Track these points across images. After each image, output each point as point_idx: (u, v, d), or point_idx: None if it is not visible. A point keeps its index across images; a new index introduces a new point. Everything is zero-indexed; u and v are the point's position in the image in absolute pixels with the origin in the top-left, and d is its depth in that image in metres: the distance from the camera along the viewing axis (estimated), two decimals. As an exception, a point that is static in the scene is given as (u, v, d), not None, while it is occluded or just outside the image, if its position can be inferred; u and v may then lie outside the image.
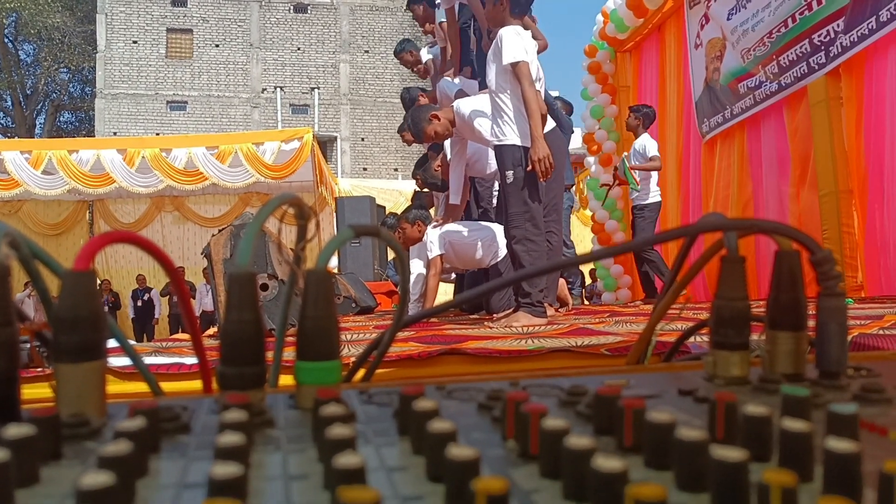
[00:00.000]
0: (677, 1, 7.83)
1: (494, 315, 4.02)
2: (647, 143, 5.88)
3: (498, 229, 4.47)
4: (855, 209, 5.25)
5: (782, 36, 5.84)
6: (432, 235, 4.67)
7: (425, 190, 5.94)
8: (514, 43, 3.38)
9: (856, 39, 4.97)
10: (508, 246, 3.53)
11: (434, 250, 4.57)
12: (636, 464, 0.35)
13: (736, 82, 6.72)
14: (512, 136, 3.40)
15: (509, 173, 3.40)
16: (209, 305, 12.10)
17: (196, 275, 13.83)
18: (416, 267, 5.12)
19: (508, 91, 3.42)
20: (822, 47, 5.36)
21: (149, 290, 14.48)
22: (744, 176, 6.60)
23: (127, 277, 14.83)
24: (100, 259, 13.95)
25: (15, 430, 0.33)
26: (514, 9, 3.50)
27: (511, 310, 3.64)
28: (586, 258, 0.76)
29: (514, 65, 3.35)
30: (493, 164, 4.86)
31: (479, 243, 4.58)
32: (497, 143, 3.47)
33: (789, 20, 5.72)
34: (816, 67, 5.46)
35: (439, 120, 4.03)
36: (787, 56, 5.82)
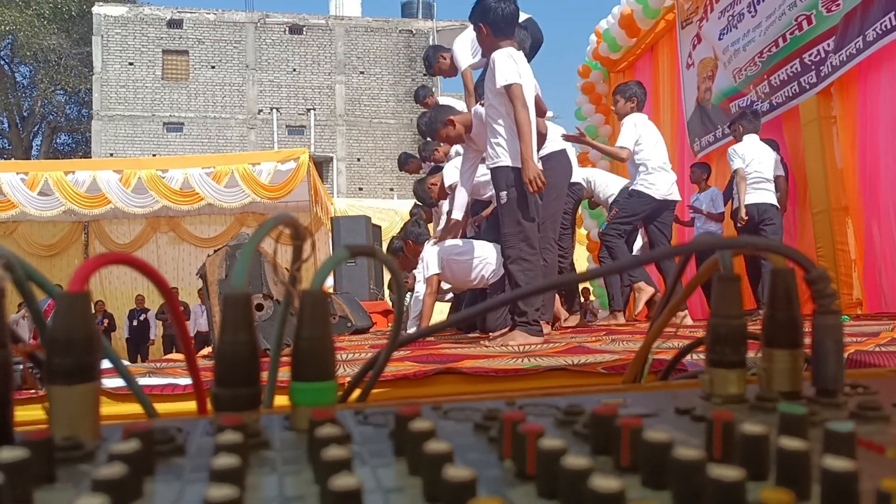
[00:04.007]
0: (670, 21, 7.92)
1: (490, 334, 4.02)
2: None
3: (498, 249, 4.48)
4: (850, 226, 5.27)
5: (773, 56, 5.90)
6: (429, 254, 4.65)
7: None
8: (507, 66, 3.40)
9: (845, 59, 5.03)
10: (504, 265, 3.54)
11: (430, 269, 4.56)
12: (633, 483, 0.35)
13: (728, 102, 6.78)
14: (505, 158, 3.42)
15: (503, 194, 3.42)
16: (204, 326, 12.05)
17: (191, 295, 13.79)
18: (422, 287, 5.10)
19: (502, 113, 3.44)
20: (813, 67, 5.42)
21: (146, 310, 14.41)
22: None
23: (121, 298, 14.76)
24: (95, 280, 13.91)
25: (8, 454, 0.33)
26: (496, 32, 3.51)
27: (507, 328, 3.64)
28: (582, 277, 0.76)
29: (507, 87, 3.37)
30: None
31: (477, 262, 4.56)
32: (491, 165, 3.50)
33: (780, 40, 5.78)
34: (808, 87, 5.52)
35: (454, 127, 4.07)
36: (779, 76, 5.88)
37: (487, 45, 3.58)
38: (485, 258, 4.54)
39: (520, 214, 3.40)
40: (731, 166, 5.70)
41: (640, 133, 5.07)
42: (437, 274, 4.56)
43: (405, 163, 7.51)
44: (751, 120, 5.72)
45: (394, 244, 5.95)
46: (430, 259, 4.59)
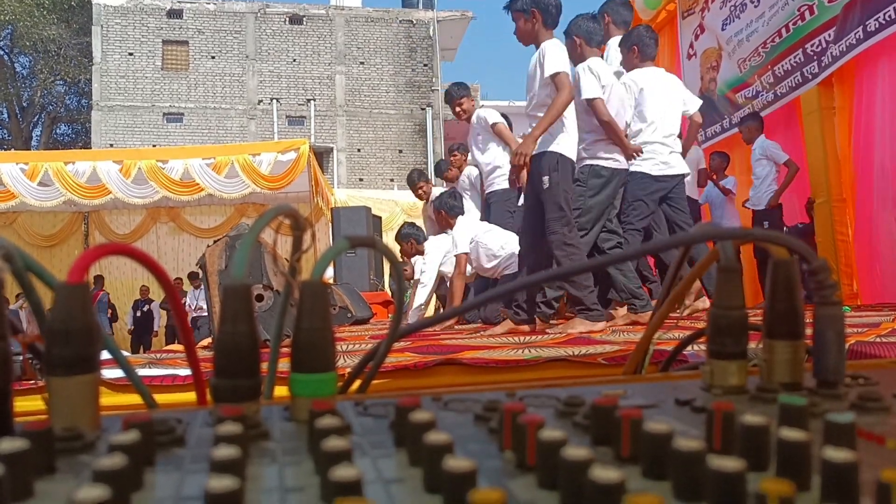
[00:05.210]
0: (670, 12, 7.89)
1: (490, 325, 4.01)
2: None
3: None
4: (848, 217, 5.27)
5: (776, 46, 5.88)
6: (459, 232, 4.59)
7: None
8: (556, 55, 3.41)
9: (844, 49, 5.01)
10: (549, 251, 3.48)
11: (459, 248, 4.50)
12: (634, 474, 0.35)
13: (733, 92, 6.76)
14: (550, 144, 3.43)
15: (545, 178, 3.42)
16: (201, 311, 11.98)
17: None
18: (429, 277, 5.06)
19: (549, 102, 3.43)
20: (815, 57, 5.40)
21: (150, 301, 14.40)
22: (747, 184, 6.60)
23: (121, 289, 14.77)
24: (97, 271, 13.93)
25: (8, 444, 0.33)
26: (547, 20, 3.50)
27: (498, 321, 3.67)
28: (585, 266, 0.76)
29: (554, 75, 3.37)
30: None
31: (502, 252, 4.51)
32: (535, 150, 3.49)
33: (783, 30, 5.76)
34: (810, 77, 5.50)
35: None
36: (782, 66, 5.86)
37: (532, 35, 3.54)
38: (511, 251, 4.50)
39: (562, 199, 3.39)
40: (777, 159, 5.77)
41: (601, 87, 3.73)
42: (466, 253, 4.50)
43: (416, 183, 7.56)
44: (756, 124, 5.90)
45: (403, 229, 5.92)
46: (460, 237, 4.53)
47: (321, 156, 21.94)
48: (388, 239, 13.12)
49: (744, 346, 0.56)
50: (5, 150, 25.12)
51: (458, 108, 5.31)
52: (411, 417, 0.39)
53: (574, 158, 3.53)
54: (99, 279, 14.09)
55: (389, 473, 0.36)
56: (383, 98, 24.48)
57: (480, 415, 0.47)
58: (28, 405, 1.04)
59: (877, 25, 4.65)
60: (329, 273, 8.48)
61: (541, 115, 3.42)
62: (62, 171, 11.64)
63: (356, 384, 0.72)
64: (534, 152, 3.49)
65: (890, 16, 4.54)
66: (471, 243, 4.52)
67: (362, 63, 24.59)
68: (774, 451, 0.34)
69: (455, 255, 4.55)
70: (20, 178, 11.65)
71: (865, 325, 2.52)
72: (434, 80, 24.50)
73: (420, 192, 6.78)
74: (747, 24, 6.27)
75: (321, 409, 0.42)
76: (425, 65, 24.71)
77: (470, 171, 5.91)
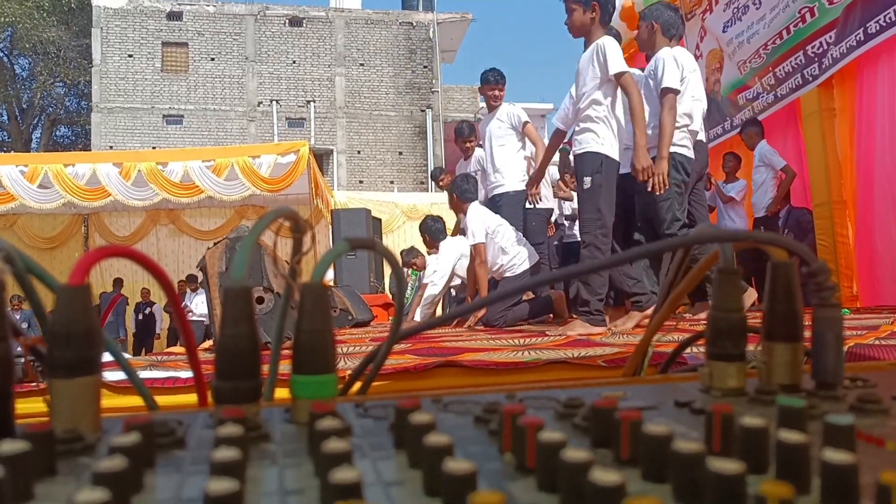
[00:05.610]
0: (671, 13, 7.87)
1: (490, 328, 4.01)
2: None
3: (529, 252, 4.46)
4: (848, 219, 5.27)
5: (777, 48, 5.89)
6: (474, 220, 4.52)
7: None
8: (619, 54, 3.38)
9: (845, 51, 5.01)
10: (580, 249, 3.47)
11: (476, 237, 4.46)
12: (633, 476, 0.35)
13: (735, 94, 6.77)
14: (595, 144, 3.39)
15: (587, 179, 3.38)
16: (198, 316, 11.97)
17: (192, 288, 13.76)
18: (441, 276, 5.01)
19: (605, 100, 3.40)
20: (816, 59, 5.41)
21: (151, 304, 14.38)
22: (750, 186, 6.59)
23: (123, 292, 14.78)
24: (98, 274, 13.91)
25: (9, 446, 0.33)
26: (604, 17, 3.48)
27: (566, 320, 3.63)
28: (576, 271, 0.76)
29: (620, 75, 3.33)
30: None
31: (510, 252, 4.48)
32: (579, 150, 3.45)
33: (784, 32, 5.76)
34: (811, 79, 5.50)
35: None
36: (783, 68, 5.86)
37: (586, 27, 3.50)
38: (517, 253, 4.47)
39: (601, 202, 3.36)
40: (775, 164, 5.78)
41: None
42: (483, 244, 4.45)
43: (438, 177, 7.58)
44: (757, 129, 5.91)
45: (426, 222, 5.81)
46: (475, 227, 4.49)
47: (321, 158, 21.94)
48: (388, 241, 13.09)
49: (743, 348, 0.56)
50: (5, 152, 25.12)
51: (497, 93, 5.17)
52: (411, 419, 0.39)
53: (618, 159, 3.46)
54: (118, 282, 14.07)
55: (389, 475, 0.37)
56: (383, 100, 24.50)
57: (480, 417, 0.47)
58: (29, 407, 1.04)
59: (877, 27, 4.65)
60: (329, 275, 8.47)
61: (591, 112, 3.39)
62: (62, 173, 11.63)
63: (356, 386, 0.72)
64: (577, 151, 3.46)
65: (890, 18, 4.54)
66: (486, 234, 4.49)
67: (362, 65, 24.60)
68: (774, 454, 0.34)
69: (473, 245, 4.50)
70: (20, 180, 11.64)
71: (864, 328, 2.52)
72: (434, 81, 24.51)
73: (468, 145, 6.30)
74: (748, 27, 6.28)
75: (321, 410, 0.42)
76: (425, 67, 24.71)
77: (480, 154, 5.77)
